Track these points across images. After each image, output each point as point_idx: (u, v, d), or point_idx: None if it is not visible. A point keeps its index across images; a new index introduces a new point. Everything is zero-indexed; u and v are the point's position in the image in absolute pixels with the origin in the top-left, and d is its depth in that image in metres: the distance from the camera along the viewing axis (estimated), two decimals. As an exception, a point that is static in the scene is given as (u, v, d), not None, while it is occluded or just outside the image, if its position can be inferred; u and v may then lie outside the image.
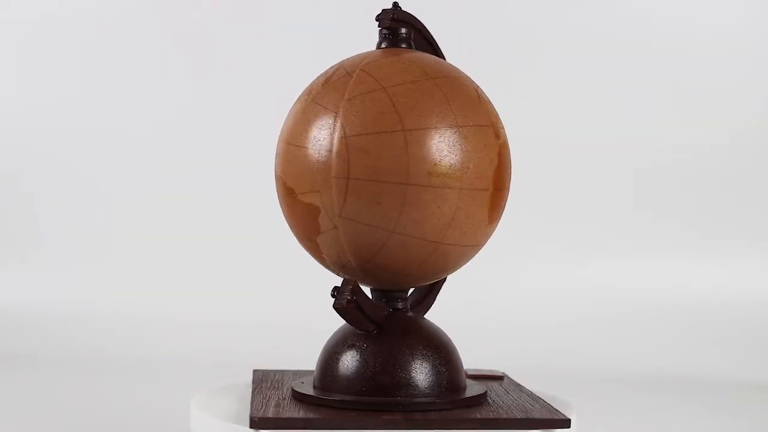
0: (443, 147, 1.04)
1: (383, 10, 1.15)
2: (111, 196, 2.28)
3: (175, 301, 2.10)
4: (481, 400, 1.10)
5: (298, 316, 2.01)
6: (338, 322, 1.18)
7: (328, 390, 1.09)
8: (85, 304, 2.11)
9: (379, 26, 1.15)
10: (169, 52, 2.32)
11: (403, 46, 1.14)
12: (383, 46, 1.15)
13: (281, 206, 1.13)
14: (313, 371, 1.17)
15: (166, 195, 2.27)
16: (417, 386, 1.07)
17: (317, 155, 1.05)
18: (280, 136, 1.13)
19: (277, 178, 1.12)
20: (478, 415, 1.04)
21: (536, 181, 2.18)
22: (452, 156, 1.04)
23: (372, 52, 1.13)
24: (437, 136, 1.04)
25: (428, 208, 1.04)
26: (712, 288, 2.15)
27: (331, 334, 1.16)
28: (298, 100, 1.13)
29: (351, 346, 1.09)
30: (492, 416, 1.04)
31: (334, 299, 1.06)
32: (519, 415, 1.05)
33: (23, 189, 2.29)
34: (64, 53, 2.33)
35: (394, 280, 1.10)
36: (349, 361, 1.08)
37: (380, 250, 1.05)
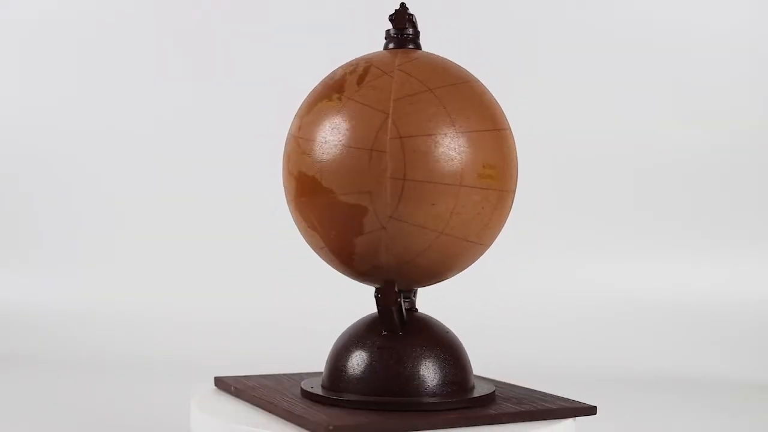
0: (488, 149, 1.07)
1: (397, 11, 1.15)
2: (111, 196, 2.28)
3: (175, 301, 2.10)
4: (490, 398, 1.11)
5: (297, 317, 2.01)
6: (338, 323, 1.18)
7: (338, 390, 1.09)
8: (85, 304, 2.11)
9: (394, 26, 1.15)
10: (169, 51, 2.33)
11: (411, 46, 1.15)
12: (391, 46, 1.15)
13: (302, 205, 1.08)
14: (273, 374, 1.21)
15: (166, 195, 2.27)
16: (427, 386, 1.07)
17: (368, 155, 1.04)
18: (299, 133, 1.09)
19: (301, 177, 1.07)
20: (493, 411, 1.05)
21: (536, 181, 2.18)
22: (495, 158, 1.07)
23: (390, 51, 1.13)
24: (483, 138, 1.06)
25: (475, 209, 1.06)
26: (711, 288, 2.15)
27: (330, 334, 1.16)
28: (322, 97, 1.09)
29: (361, 347, 1.09)
30: (511, 411, 1.05)
31: (380, 300, 1.07)
32: (540, 408, 1.07)
33: (23, 189, 2.30)
34: (64, 53, 2.33)
35: (422, 280, 1.11)
36: (359, 361, 1.08)
37: (425, 251, 1.06)
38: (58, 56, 2.33)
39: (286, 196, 1.12)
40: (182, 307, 2.09)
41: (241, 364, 1.61)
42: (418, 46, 1.16)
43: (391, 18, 1.15)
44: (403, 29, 1.14)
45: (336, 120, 1.06)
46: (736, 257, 2.20)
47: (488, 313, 2.06)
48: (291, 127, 1.12)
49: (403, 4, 1.17)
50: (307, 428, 0.99)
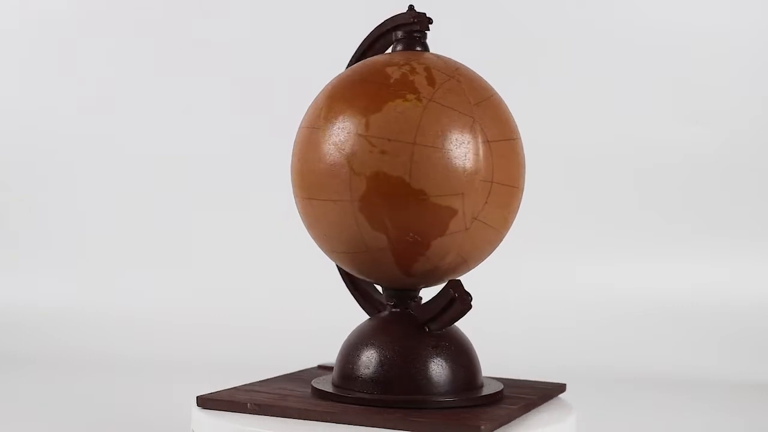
0: (521, 152, 1.15)
1: (418, 13, 1.16)
2: (111, 196, 2.28)
3: (175, 302, 2.10)
4: (498, 397, 1.11)
5: (298, 317, 2.01)
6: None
7: (348, 388, 1.10)
8: (85, 304, 2.11)
9: (419, 29, 1.16)
10: (169, 52, 2.32)
11: (418, 48, 1.16)
12: (399, 48, 1.16)
13: (374, 206, 1.05)
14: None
15: (167, 195, 2.27)
16: (438, 384, 1.08)
17: (463, 158, 1.05)
18: (369, 132, 1.05)
19: (379, 177, 1.04)
20: (494, 413, 1.05)
21: (536, 181, 2.18)
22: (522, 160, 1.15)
23: (421, 53, 1.14)
24: (520, 142, 1.15)
25: (517, 209, 1.15)
26: (711, 288, 2.15)
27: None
28: (393, 96, 1.06)
29: (370, 345, 1.10)
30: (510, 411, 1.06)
31: (466, 301, 1.07)
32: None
33: (24, 189, 2.30)
34: (66, 55, 2.33)
35: (449, 277, 1.14)
36: (369, 359, 1.10)
37: (486, 250, 1.13)
38: (59, 58, 2.33)
39: (337, 195, 1.07)
40: (183, 307, 2.09)
41: (242, 364, 1.61)
42: (426, 48, 1.16)
43: (413, 20, 1.15)
44: (423, 32, 1.16)
45: (422, 121, 1.05)
46: (736, 257, 2.20)
47: (488, 313, 2.06)
48: (344, 125, 1.07)
49: (412, 7, 1.17)
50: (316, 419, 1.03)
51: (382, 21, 1.20)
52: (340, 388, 1.11)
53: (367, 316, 1.22)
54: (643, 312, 2.10)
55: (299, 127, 1.14)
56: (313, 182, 1.09)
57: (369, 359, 1.09)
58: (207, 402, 1.09)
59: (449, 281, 1.07)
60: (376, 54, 1.21)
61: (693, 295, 2.14)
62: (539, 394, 1.17)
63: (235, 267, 2.16)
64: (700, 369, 1.87)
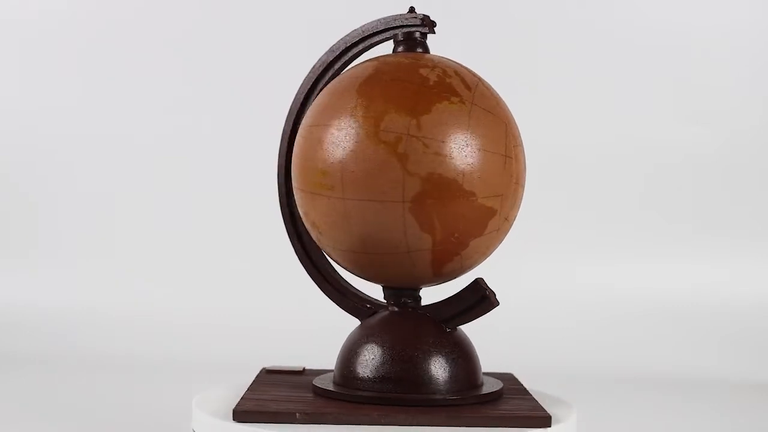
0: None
1: (424, 16, 1.16)
2: (111, 196, 2.28)
3: (175, 301, 2.10)
4: (498, 395, 1.12)
5: (298, 317, 2.01)
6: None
7: (351, 387, 1.11)
8: (85, 304, 2.11)
9: (428, 32, 1.17)
10: (169, 52, 2.32)
11: (419, 50, 1.17)
12: (400, 49, 1.16)
13: (427, 207, 1.05)
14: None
15: (166, 195, 2.27)
16: (437, 382, 1.09)
17: (503, 161, 1.09)
18: (421, 133, 1.06)
19: (434, 179, 1.05)
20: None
21: (536, 182, 2.18)
22: None
23: (434, 56, 1.15)
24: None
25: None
26: (711, 288, 2.15)
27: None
28: (439, 99, 1.07)
29: (371, 344, 1.12)
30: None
31: (495, 298, 1.12)
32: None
33: (23, 189, 2.29)
34: (64, 55, 2.33)
35: (459, 276, 1.18)
36: (368, 358, 1.11)
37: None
38: (58, 58, 2.33)
39: (384, 196, 1.06)
40: (183, 307, 2.09)
41: (242, 364, 1.61)
42: (427, 50, 1.17)
43: (423, 22, 1.16)
44: (427, 34, 1.17)
45: (470, 123, 1.07)
46: (736, 257, 2.20)
47: (488, 313, 2.06)
48: (392, 125, 1.06)
49: (413, 8, 1.18)
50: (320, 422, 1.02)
51: (379, 19, 1.19)
52: (341, 387, 1.11)
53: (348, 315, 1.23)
54: (643, 312, 2.10)
55: (309, 125, 1.12)
56: (347, 181, 1.07)
57: (368, 357, 1.10)
58: (244, 415, 1.04)
59: (478, 279, 1.12)
60: (360, 52, 1.22)
61: (693, 295, 2.14)
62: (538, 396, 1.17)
63: (235, 267, 2.16)
64: (700, 369, 1.87)
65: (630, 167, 2.26)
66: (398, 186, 1.05)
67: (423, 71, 1.09)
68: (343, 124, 1.08)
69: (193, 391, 1.22)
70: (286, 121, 1.26)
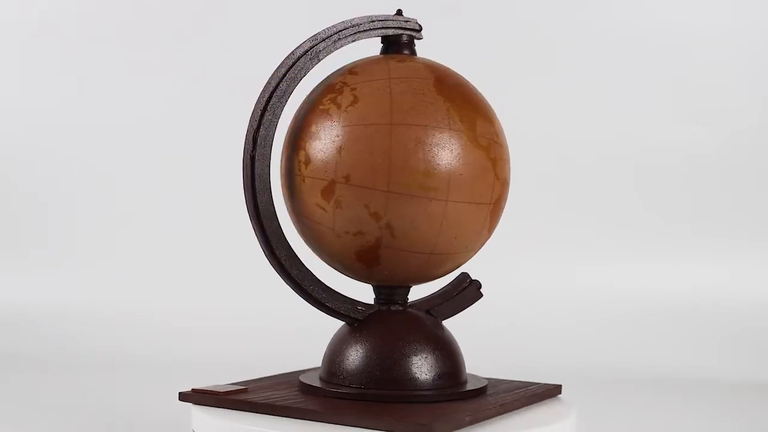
0: None
1: (409, 19, 1.16)
2: (111, 196, 2.28)
3: (175, 301, 2.10)
4: (481, 392, 1.12)
5: (298, 317, 2.01)
6: (337, 323, 1.18)
7: (336, 383, 1.12)
8: (85, 304, 2.11)
9: (417, 37, 1.17)
10: (169, 49, 2.32)
11: (406, 52, 1.17)
12: (389, 51, 1.16)
13: (498, 210, 1.15)
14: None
15: (166, 196, 2.27)
16: (418, 379, 1.10)
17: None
18: (499, 140, 1.13)
19: (505, 183, 1.14)
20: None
21: (536, 182, 2.18)
22: None
23: (421, 59, 1.15)
24: None
25: None
26: (711, 288, 2.15)
27: (332, 333, 1.17)
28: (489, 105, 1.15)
29: (356, 341, 1.12)
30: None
31: (480, 288, 1.21)
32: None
33: (23, 189, 2.30)
34: (63, 52, 2.33)
35: None
36: (352, 354, 1.12)
37: None
38: (57, 56, 2.33)
39: (480, 198, 1.10)
40: (183, 307, 2.09)
41: (243, 364, 1.61)
42: (414, 53, 1.17)
43: (412, 28, 1.16)
44: (414, 36, 1.17)
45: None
46: (736, 257, 2.20)
47: (488, 313, 2.06)
48: (483, 131, 1.10)
49: (400, 11, 1.18)
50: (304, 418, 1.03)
51: (365, 20, 1.16)
52: (327, 383, 1.12)
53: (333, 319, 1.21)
54: (643, 312, 2.10)
55: (390, 123, 1.07)
56: (454, 184, 1.07)
57: (354, 354, 1.11)
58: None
59: (464, 273, 1.21)
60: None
61: (693, 295, 2.14)
62: (530, 392, 1.16)
63: (235, 267, 2.16)
64: (700, 369, 1.87)
65: (630, 167, 2.26)
66: (489, 189, 1.10)
67: (459, 78, 1.14)
68: (442, 126, 1.07)
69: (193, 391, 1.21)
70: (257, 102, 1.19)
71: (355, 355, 1.11)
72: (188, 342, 1.96)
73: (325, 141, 1.08)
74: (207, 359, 1.86)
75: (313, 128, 1.10)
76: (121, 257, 2.21)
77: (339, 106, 1.09)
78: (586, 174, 2.26)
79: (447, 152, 1.07)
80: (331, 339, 1.17)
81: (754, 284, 2.16)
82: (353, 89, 1.09)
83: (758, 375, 1.83)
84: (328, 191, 1.08)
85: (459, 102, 1.09)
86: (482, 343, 1.77)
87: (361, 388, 1.09)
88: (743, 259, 2.20)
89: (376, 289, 1.17)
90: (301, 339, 1.87)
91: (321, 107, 1.11)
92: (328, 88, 1.12)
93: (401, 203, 1.06)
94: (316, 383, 1.13)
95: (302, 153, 1.10)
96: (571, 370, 1.82)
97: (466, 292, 1.20)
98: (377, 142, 1.06)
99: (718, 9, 2.29)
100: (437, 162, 1.06)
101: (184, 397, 1.12)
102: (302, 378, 1.16)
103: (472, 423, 1.01)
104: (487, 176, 1.09)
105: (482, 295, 1.20)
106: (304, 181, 1.10)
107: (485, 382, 1.16)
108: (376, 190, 1.06)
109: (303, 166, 1.10)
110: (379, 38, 1.18)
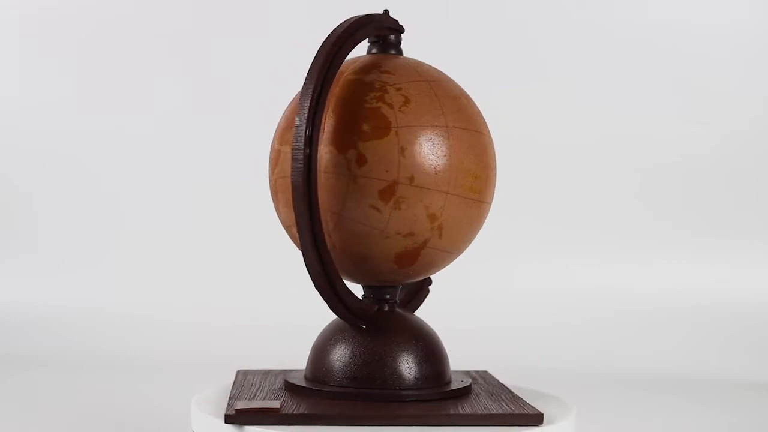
0: None
1: (393, 18, 1.16)
2: (110, 196, 2.28)
3: (175, 301, 2.10)
4: (465, 392, 1.13)
5: (298, 317, 2.01)
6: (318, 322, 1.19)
7: (319, 382, 1.12)
8: (85, 304, 2.11)
9: (400, 35, 1.17)
10: (169, 50, 2.32)
11: (393, 52, 1.16)
12: (374, 51, 1.16)
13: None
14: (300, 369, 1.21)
15: (166, 195, 2.27)
16: (403, 379, 1.10)
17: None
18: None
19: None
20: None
21: (536, 181, 2.18)
22: None
23: (411, 60, 1.15)
24: None
25: None
26: (712, 288, 2.15)
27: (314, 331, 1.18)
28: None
29: (341, 341, 1.13)
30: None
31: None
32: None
33: (23, 189, 2.30)
34: (62, 52, 2.33)
35: None
36: (339, 354, 1.12)
37: None
38: (56, 56, 2.33)
39: (490, 197, 1.15)
40: (183, 307, 2.09)
41: (243, 364, 1.61)
42: (401, 52, 1.17)
43: (396, 28, 1.16)
44: (400, 34, 1.17)
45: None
46: (736, 257, 2.20)
47: (488, 313, 2.06)
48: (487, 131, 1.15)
49: (387, 11, 1.17)
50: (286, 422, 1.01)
51: (354, 19, 1.12)
52: (312, 382, 1.13)
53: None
54: (643, 312, 2.10)
55: (446, 125, 1.07)
56: (492, 186, 1.14)
57: (338, 353, 1.12)
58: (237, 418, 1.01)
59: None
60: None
61: (693, 295, 2.14)
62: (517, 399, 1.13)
63: (235, 267, 2.16)
64: (700, 369, 1.87)
65: (630, 167, 2.26)
66: (493, 187, 1.15)
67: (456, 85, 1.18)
68: (484, 130, 1.13)
69: (193, 391, 1.22)
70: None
71: (339, 355, 1.11)
72: (188, 342, 1.96)
73: (386, 141, 1.05)
74: (207, 359, 1.85)
75: (365, 127, 1.05)
76: (121, 257, 2.21)
77: (391, 106, 1.06)
78: (586, 174, 2.26)
79: (487, 156, 1.12)
80: (316, 338, 1.17)
81: (754, 284, 2.16)
82: (398, 89, 1.07)
83: (758, 375, 1.83)
84: (387, 191, 1.05)
85: (476, 106, 1.16)
86: (481, 342, 1.77)
87: (345, 387, 1.10)
88: (743, 259, 2.20)
89: (366, 288, 1.16)
90: (302, 339, 1.87)
91: (367, 105, 1.06)
92: (366, 86, 1.08)
93: (456, 205, 1.08)
94: (302, 383, 1.13)
95: (352, 152, 1.05)
96: (571, 370, 1.82)
97: (425, 289, 1.26)
98: (438, 144, 1.06)
99: (718, 9, 2.29)
100: (483, 165, 1.11)
101: (230, 419, 1.01)
102: (287, 377, 1.16)
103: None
104: (493, 174, 1.16)
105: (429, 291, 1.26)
106: (355, 181, 1.05)
107: (470, 381, 1.16)
108: (438, 191, 1.06)
109: (355, 166, 1.05)
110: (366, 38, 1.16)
